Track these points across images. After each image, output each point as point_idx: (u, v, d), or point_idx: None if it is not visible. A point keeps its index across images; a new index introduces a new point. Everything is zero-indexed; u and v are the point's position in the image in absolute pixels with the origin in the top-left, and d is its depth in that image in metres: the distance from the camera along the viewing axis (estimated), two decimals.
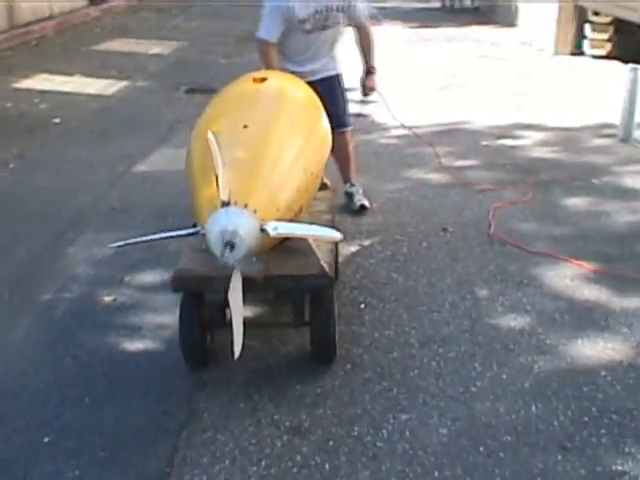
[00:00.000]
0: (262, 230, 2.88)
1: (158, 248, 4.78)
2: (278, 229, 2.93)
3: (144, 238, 3.20)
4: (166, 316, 4.03)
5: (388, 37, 12.88)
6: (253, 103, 3.65)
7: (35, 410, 3.32)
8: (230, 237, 2.76)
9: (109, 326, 3.98)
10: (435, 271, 4.55)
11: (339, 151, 5.03)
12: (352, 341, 3.81)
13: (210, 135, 2.83)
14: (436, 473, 2.93)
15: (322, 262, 3.30)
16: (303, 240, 3.34)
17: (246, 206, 2.87)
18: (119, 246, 3.37)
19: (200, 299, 3.36)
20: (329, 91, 4.84)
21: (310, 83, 4.51)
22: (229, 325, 2.96)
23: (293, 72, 4.67)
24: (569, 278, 4.44)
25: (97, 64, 10.51)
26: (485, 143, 7.08)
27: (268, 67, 4.68)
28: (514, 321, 3.99)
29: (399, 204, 5.59)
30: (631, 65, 6.69)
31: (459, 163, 6.48)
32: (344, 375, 3.54)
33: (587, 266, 4.54)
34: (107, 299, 4.23)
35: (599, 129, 7.41)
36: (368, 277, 4.48)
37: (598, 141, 7.05)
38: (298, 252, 3.30)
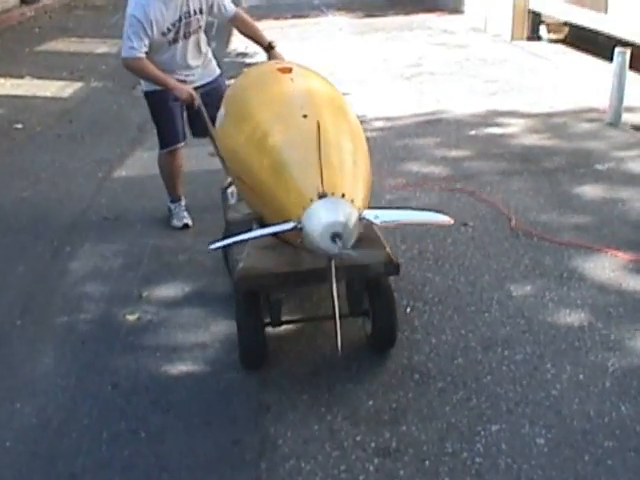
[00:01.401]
0: (361, 219, 2.84)
1: (166, 259, 4.56)
2: (380, 217, 2.94)
3: (243, 237, 2.98)
4: (199, 334, 3.79)
5: (337, 28, 12.74)
6: (294, 94, 3.46)
7: (88, 449, 3.02)
8: (338, 228, 2.73)
9: (141, 348, 3.70)
10: (470, 268, 4.40)
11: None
12: (410, 348, 3.62)
13: (314, 125, 2.81)
14: None
15: (387, 249, 3.25)
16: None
17: (343, 196, 2.81)
18: (216, 248, 3.11)
19: (258, 298, 3.33)
20: (216, 94, 4.52)
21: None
22: (283, 323, 3.32)
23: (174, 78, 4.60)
24: (609, 269, 4.34)
25: (45, 65, 10.05)
26: (473, 132, 6.98)
27: (151, 78, 4.47)
28: (569, 317, 3.87)
29: (407, 199, 5.43)
30: (619, 48, 6.67)
31: (453, 154, 6.35)
32: (415, 386, 3.35)
33: (623, 255, 4.46)
34: (130, 318, 3.94)
35: (582, 113, 7.39)
36: (403, 278, 4.28)
37: (586, 126, 7.02)
38: (361, 241, 3.02)
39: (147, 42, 4.42)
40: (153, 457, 2.97)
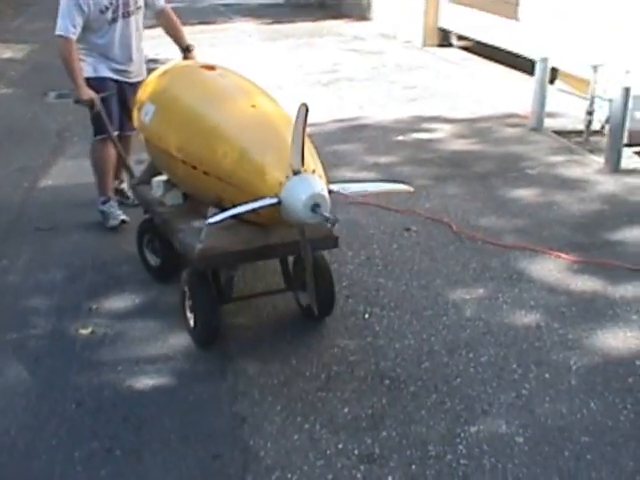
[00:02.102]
0: (330, 192, 3.24)
1: (110, 270, 4.49)
2: (347, 189, 3.42)
3: (233, 212, 3.22)
4: (158, 346, 3.73)
5: (247, 35, 12.73)
6: (231, 88, 3.83)
7: (62, 471, 2.92)
8: (318, 199, 3.13)
9: (100, 363, 3.60)
10: (420, 273, 4.48)
11: (126, 150, 5.04)
12: (376, 354, 3.66)
13: (303, 108, 3.05)
14: None
15: (328, 227, 3.48)
16: None
17: (314, 172, 3.24)
18: (216, 222, 3.24)
19: (212, 276, 3.65)
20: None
21: (124, 84, 4.71)
22: (234, 300, 3.74)
23: (115, 70, 4.81)
24: (555, 270, 4.51)
25: None
26: (400, 138, 7.11)
27: (68, 66, 4.58)
28: (526, 318, 3.99)
29: (344, 207, 5.45)
30: (541, 56, 6.92)
31: (384, 160, 6.44)
32: (387, 392, 3.39)
33: (567, 257, 4.63)
34: (84, 332, 3.84)
35: (505, 119, 7.65)
36: (355, 284, 4.34)
37: (510, 130, 7.26)
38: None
39: (81, 22, 4.52)
40: (133, 476, 2.90)
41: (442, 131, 7.25)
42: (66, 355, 3.65)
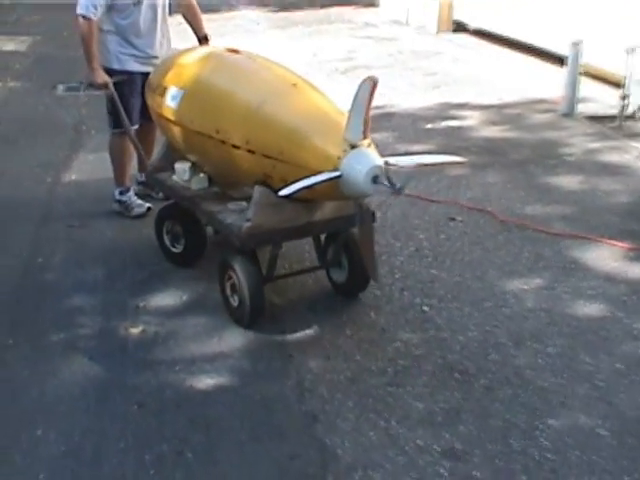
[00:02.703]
0: (386, 164, 3.36)
1: (151, 266, 4.46)
2: (399, 162, 3.52)
3: (301, 184, 3.28)
4: (214, 344, 3.72)
5: (255, 23, 12.68)
6: (264, 69, 3.98)
7: (133, 476, 2.89)
8: (377, 171, 3.26)
9: (156, 362, 3.58)
10: (472, 264, 4.47)
11: (151, 139, 5.13)
12: (441, 347, 3.66)
13: (370, 81, 3.21)
14: (626, 478, 2.83)
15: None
16: None
17: (369, 145, 3.34)
18: (287, 193, 3.29)
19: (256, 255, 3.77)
20: None
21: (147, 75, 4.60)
22: (277, 278, 3.91)
23: (140, 60, 4.82)
24: (610, 259, 4.51)
25: None
26: (430, 126, 7.10)
27: (86, 47, 4.62)
28: (587, 308, 3.99)
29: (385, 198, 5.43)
30: (573, 40, 6.91)
31: (416, 148, 6.42)
32: (459, 386, 3.38)
33: (621, 245, 4.62)
34: (134, 331, 3.81)
35: (534, 105, 7.64)
36: (409, 276, 4.34)
37: (541, 117, 7.26)
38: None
39: (102, 1, 4.55)
40: (208, 478, 2.87)
41: (472, 118, 7.25)
42: (119, 355, 3.63)
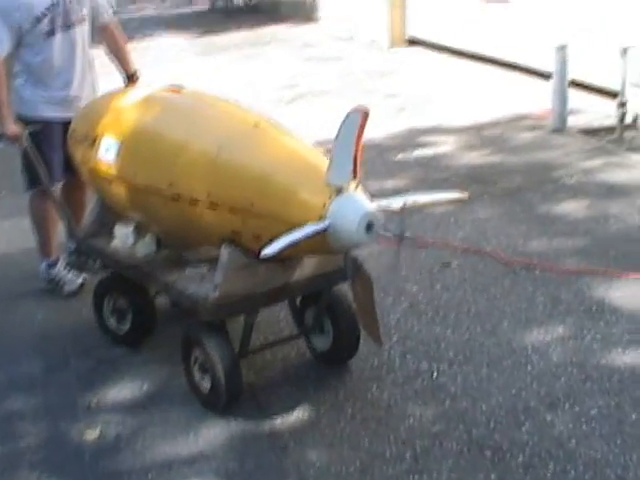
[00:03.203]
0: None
1: (97, 353, 4.34)
2: (393, 203, 3.44)
3: (287, 240, 3.19)
4: (190, 443, 3.58)
5: (178, 49, 12.66)
6: (216, 111, 3.97)
7: None
8: (371, 218, 3.23)
9: (124, 472, 3.43)
10: (480, 316, 4.43)
11: (80, 198, 5.04)
12: (463, 420, 3.59)
13: (359, 114, 3.14)
14: None
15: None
16: None
17: (357, 188, 3.30)
18: (271, 253, 3.18)
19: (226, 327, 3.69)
20: None
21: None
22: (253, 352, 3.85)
23: (59, 104, 4.70)
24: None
25: None
26: (400, 156, 7.12)
27: None
28: (626, 357, 3.97)
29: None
30: (559, 43, 6.99)
31: (391, 185, 6.41)
32: (493, 465, 3.31)
33: None
34: (91, 435, 3.67)
35: (516, 122, 7.73)
36: (408, 337, 4.27)
37: (528, 135, 7.33)
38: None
39: (8, 35, 4.42)
40: None
41: (447, 143, 7.28)
42: (75, 467, 3.49)
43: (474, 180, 6.33)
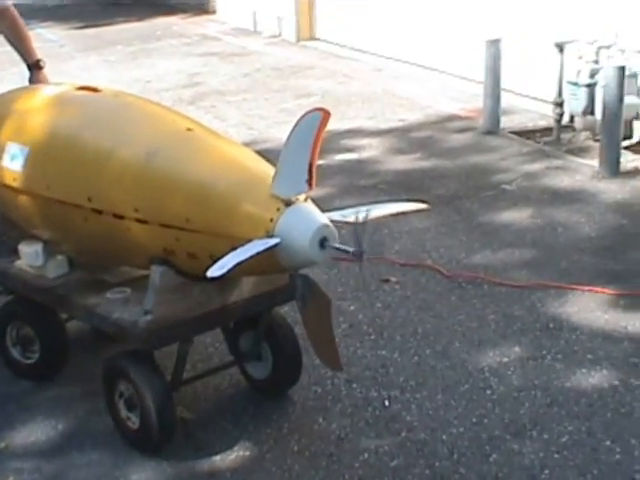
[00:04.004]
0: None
1: (2, 389, 4.20)
2: (347, 216, 3.37)
3: (233, 261, 3.09)
4: None
5: (57, 45, 12.40)
6: (139, 111, 3.95)
7: None
8: (324, 232, 3.17)
9: None
10: (428, 336, 4.46)
11: None
12: (423, 454, 3.59)
13: (318, 114, 3.11)
14: None
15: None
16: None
17: (306, 199, 3.27)
18: (219, 274, 3.08)
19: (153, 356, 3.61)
20: None
21: None
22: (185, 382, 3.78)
23: None
24: (598, 310, 4.59)
25: None
26: (321, 162, 7.01)
27: None
28: (592, 378, 4.03)
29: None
30: (489, 38, 7.09)
31: (314, 193, 6.34)
32: None
33: (607, 291, 4.69)
34: None
35: (444, 123, 7.83)
36: (353, 363, 4.25)
37: (459, 137, 7.42)
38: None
39: None
40: None
41: (372, 147, 7.34)
42: None
43: (405, 187, 6.36)
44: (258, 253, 3.13)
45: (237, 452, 3.64)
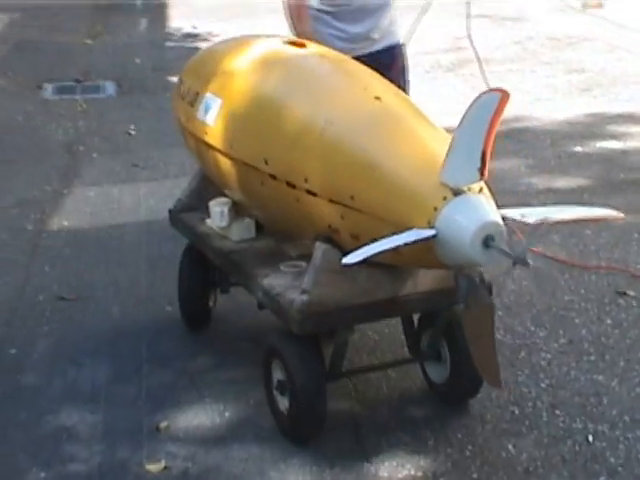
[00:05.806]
0: (504, 219, 3.14)
1: (178, 364, 4.33)
2: (527, 216, 3.23)
3: (376, 248, 3.13)
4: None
5: None
6: (337, 73, 3.94)
7: None
8: (491, 230, 3.05)
9: None
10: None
11: None
12: None
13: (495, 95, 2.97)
14: None
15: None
16: None
17: (481, 190, 3.15)
18: (353, 264, 3.15)
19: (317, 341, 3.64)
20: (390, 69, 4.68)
21: (362, 59, 4.31)
22: (344, 375, 3.86)
23: (339, 37, 4.72)
24: None
25: None
26: (578, 149, 7.09)
27: (302, 34, 4.57)
28: None
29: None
30: None
31: (561, 184, 6.25)
32: None
33: None
34: (153, 468, 3.60)
35: None
36: (561, 385, 4.10)
37: None
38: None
39: None
40: None
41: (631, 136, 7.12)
42: None
43: None
44: (406, 244, 3.10)
45: (409, 470, 3.56)
